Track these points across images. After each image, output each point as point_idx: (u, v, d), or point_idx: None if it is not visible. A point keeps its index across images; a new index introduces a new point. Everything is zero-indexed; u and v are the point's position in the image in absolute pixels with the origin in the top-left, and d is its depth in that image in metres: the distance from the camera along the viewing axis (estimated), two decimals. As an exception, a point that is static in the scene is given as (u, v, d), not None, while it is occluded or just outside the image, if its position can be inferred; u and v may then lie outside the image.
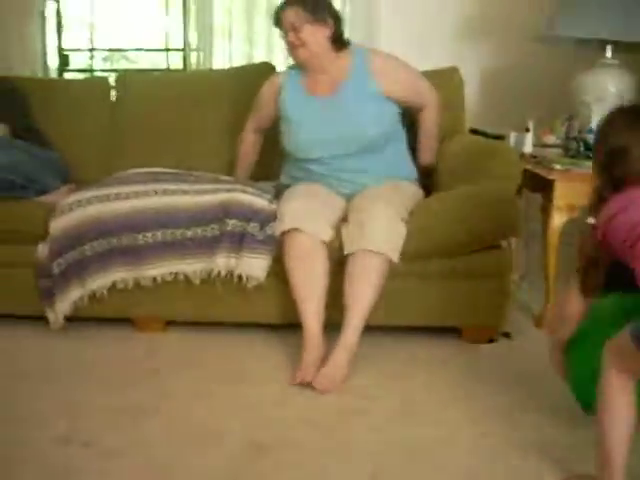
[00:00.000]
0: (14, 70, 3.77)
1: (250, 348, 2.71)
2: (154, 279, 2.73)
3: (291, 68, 2.94)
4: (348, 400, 2.29)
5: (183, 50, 3.91)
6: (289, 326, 2.70)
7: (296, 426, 2.12)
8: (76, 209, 2.72)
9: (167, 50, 4.19)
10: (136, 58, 4.56)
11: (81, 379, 2.46)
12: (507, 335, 2.78)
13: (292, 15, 2.72)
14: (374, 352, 2.59)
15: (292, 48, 2.79)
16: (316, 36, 2.74)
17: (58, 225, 2.73)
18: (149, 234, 2.69)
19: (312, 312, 2.49)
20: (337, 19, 2.80)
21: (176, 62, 4.16)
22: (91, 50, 4.25)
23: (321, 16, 2.73)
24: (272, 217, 2.67)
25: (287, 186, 2.86)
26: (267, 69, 3.30)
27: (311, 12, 2.71)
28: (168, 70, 4.17)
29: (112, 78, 3.58)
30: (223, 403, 2.27)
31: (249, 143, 3.10)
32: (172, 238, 2.68)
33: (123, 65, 4.56)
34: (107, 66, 4.48)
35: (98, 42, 4.31)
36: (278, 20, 2.79)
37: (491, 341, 2.74)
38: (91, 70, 4.28)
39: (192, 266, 2.69)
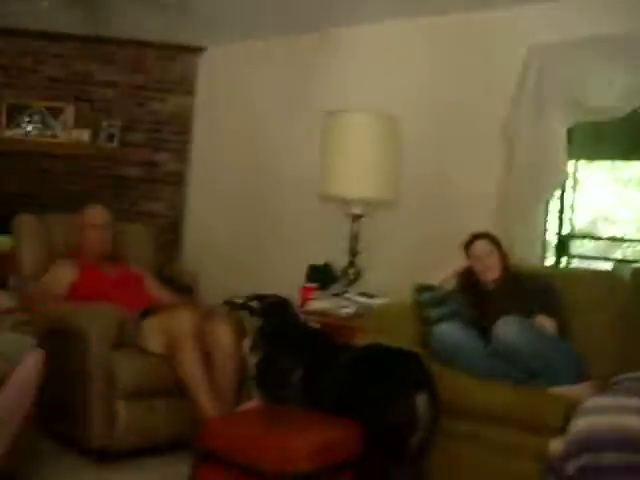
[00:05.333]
0: (517, 254, 3.94)
1: None
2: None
3: None
4: None
5: None
6: None
7: None
8: (605, 414, 2.63)
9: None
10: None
11: None
12: None
13: None
14: None
15: None
16: None
17: (581, 425, 2.66)
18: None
19: None
20: None
21: None
22: (597, 238, 4.30)
23: None
24: None
25: None
26: None
27: None
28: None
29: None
30: None
31: None
32: None
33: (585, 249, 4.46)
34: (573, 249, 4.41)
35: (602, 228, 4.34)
36: None
37: None
38: (593, 257, 4.29)
39: None
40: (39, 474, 2.92)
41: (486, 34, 4.28)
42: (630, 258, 4.21)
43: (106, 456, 3.15)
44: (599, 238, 4.37)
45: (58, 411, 3.27)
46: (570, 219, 4.28)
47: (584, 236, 4.32)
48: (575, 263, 4.24)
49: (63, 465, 3.11)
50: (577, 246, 4.33)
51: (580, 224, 4.32)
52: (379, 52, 4.66)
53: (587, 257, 4.29)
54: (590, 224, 4.41)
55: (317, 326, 3.26)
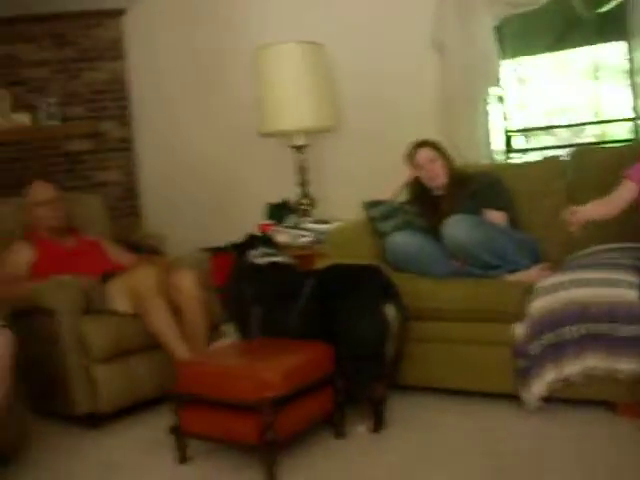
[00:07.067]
0: (463, 156, 3.97)
1: None
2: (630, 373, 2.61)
3: None
4: None
5: (634, 120, 3.76)
6: None
7: None
8: (558, 291, 2.72)
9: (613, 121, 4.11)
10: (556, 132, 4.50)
11: (557, 464, 2.41)
12: None
13: None
14: None
15: None
16: None
17: (538, 306, 2.76)
18: (633, 327, 2.59)
19: None
20: None
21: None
22: (546, 128, 4.33)
23: None
24: None
25: None
26: None
27: None
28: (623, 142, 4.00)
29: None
30: None
31: None
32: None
33: (543, 141, 4.51)
34: (529, 143, 4.46)
35: (530, 120, 4.38)
36: None
37: None
38: (545, 148, 4.33)
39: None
40: (34, 450, 2.97)
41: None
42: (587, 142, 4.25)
43: (95, 421, 3.21)
44: (540, 129, 4.39)
45: (42, 391, 3.31)
46: (520, 115, 4.31)
47: (527, 129, 4.35)
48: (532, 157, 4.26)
49: (55, 437, 3.15)
50: (536, 141, 4.38)
51: (535, 119, 4.35)
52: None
53: (540, 149, 4.32)
54: (546, 117, 4.43)
55: (287, 260, 3.26)
